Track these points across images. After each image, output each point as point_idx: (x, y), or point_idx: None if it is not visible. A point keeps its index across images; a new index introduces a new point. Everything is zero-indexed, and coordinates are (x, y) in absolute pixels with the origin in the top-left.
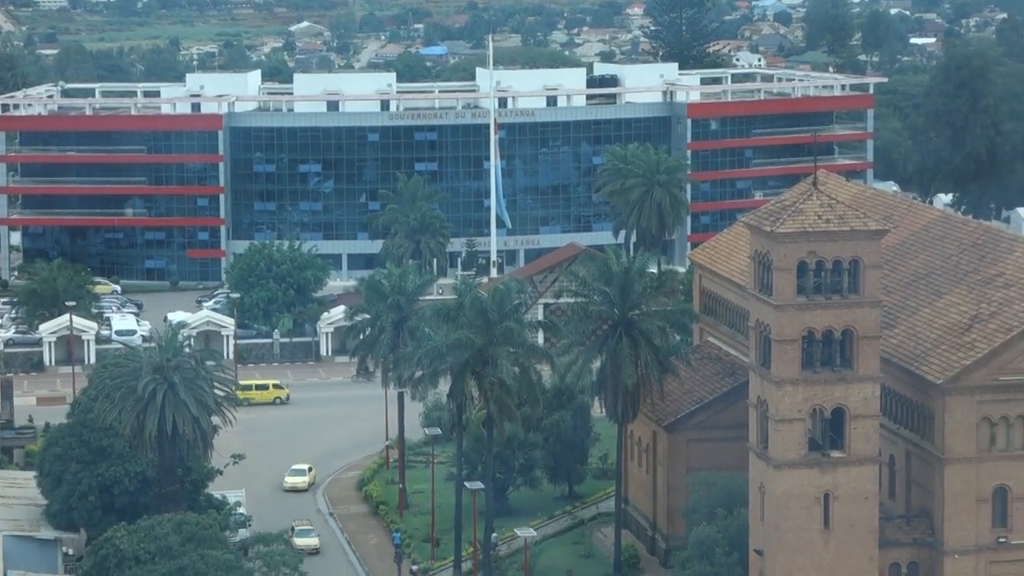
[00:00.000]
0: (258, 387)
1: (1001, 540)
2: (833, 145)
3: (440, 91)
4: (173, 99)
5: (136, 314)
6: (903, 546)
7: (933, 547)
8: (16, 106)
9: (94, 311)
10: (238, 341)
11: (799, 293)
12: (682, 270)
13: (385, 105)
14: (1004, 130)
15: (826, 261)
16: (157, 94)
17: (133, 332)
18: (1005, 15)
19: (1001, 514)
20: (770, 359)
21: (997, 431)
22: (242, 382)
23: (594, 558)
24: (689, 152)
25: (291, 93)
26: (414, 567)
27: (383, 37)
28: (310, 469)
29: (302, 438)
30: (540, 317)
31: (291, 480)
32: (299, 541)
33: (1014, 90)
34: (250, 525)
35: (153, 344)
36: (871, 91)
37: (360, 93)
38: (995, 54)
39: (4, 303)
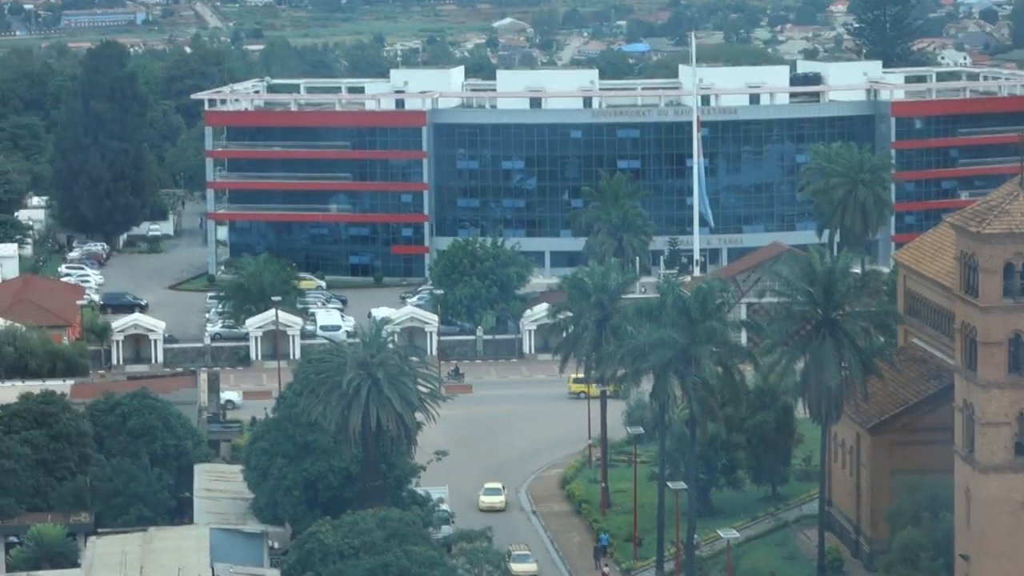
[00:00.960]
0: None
1: None
2: None
3: (643, 88)
4: (377, 95)
5: (341, 310)
6: None
7: None
8: (223, 102)
9: (299, 306)
10: (441, 337)
11: (1006, 295)
12: (886, 270)
13: (588, 102)
14: None
15: None
16: (361, 90)
17: (338, 327)
18: None
19: None
20: (976, 362)
21: None
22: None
23: (797, 560)
24: (893, 151)
25: (494, 90)
26: (605, 569)
27: (585, 34)
28: (503, 488)
29: (505, 435)
30: (743, 317)
31: (488, 500)
32: (517, 567)
33: None
34: (453, 522)
35: (357, 340)
36: None
37: (563, 90)
38: None
39: (211, 298)
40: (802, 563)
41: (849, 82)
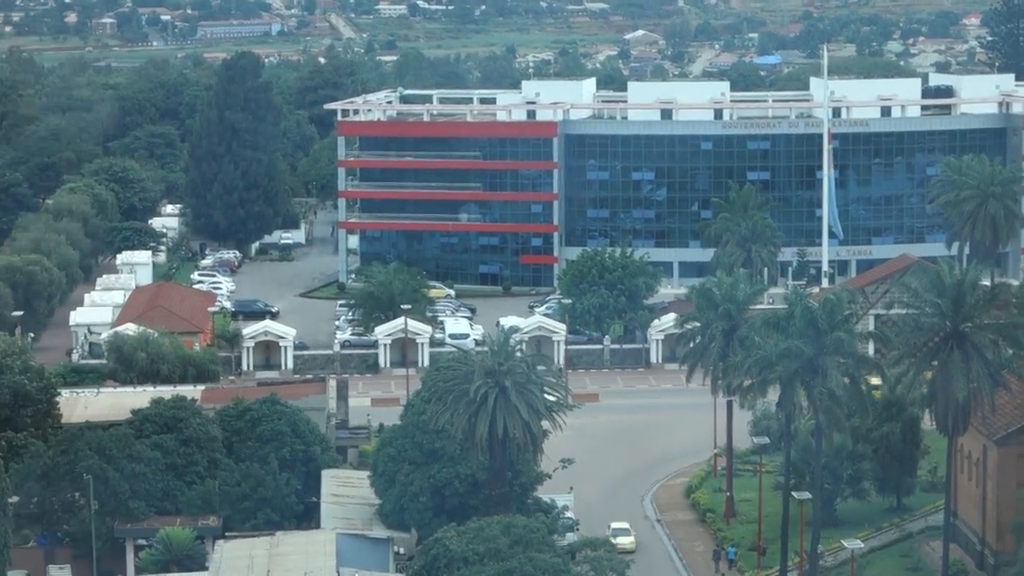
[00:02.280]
0: None
1: None
2: None
3: (773, 100)
4: (508, 106)
5: (469, 318)
6: None
7: None
8: (356, 112)
9: (428, 315)
10: (569, 347)
11: None
12: (1016, 283)
13: (718, 114)
14: None
15: None
16: (493, 101)
17: (466, 336)
18: None
19: None
20: None
21: None
22: None
23: (922, 571)
24: None
25: (625, 101)
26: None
27: (717, 46)
28: (631, 530)
29: (631, 444)
30: (871, 328)
31: (618, 541)
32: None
33: None
34: (578, 529)
35: (486, 348)
36: None
37: (693, 102)
38: None
39: (342, 305)
40: (927, 574)
41: (981, 95)
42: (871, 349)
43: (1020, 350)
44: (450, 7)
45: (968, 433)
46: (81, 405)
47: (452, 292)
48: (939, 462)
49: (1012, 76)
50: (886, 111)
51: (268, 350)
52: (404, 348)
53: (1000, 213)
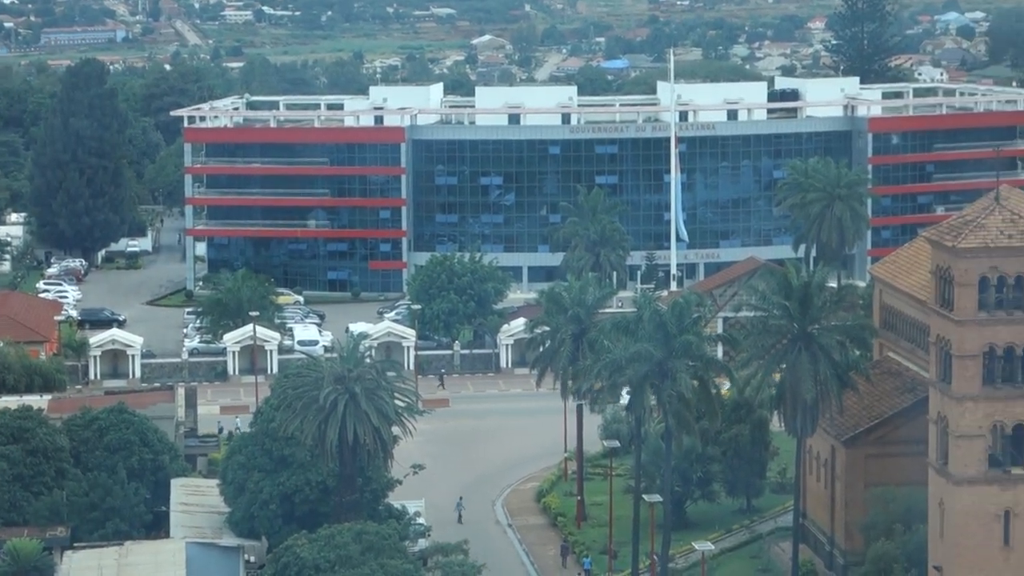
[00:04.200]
0: None
1: None
2: (1016, 160)
3: (621, 104)
4: (356, 112)
5: (318, 325)
6: None
7: None
8: (202, 118)
9: (277, 321)
10: (418, 352)
11: (981, 308)
12: (862, 284)
13: (566, 118)
14: None
15: (1008, 276)
16: (340, 107)
17: (315, 342)
18: None
19: None
20: (951, 375)
21: None
22: None
23: (771, 572)
24: (870, 166)
25: (473, 106)
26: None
27: (564, 50)
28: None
29: (482, 449)
30: (719, 331)
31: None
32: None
33: None
34: (429, 535)
35: (335, 354)
36: None
37: (541, 106)
38: None
39: (189, 313)
40: (776, 575)
41: (827, 98)
42: (720, 352)
43: (867, 351)
44: (296, 13)
45: (816, 434)
46: None
47: (301, 299)
48: (788, 463)
49: (857, 79)
50: (732, 114)
51: (115, 359)
52: (253, 355)
53: (846, 215)
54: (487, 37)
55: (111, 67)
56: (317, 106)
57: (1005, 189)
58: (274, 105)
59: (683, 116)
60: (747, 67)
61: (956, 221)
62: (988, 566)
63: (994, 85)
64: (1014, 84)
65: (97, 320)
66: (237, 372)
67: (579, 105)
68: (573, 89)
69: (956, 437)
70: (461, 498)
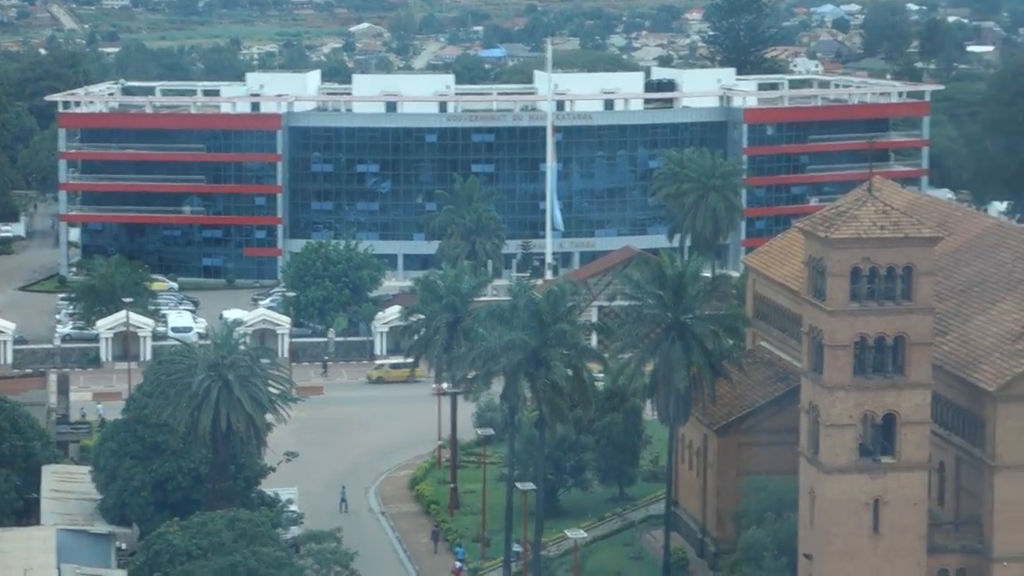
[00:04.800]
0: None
1: None
2: (889, 152)
3: (498, 93)
4: (233, 98)
5: (192, 311)
6: (952, 552)
7: (982, 554)
8: (77, 103)
9: (151, 308)
10: (293, 340)
11: (852, 299)
12: (736, 274)
13: (443, 107)
14: None
15: (880, 267)
16: (217, 93)
17: (189, 329)
18: None
19: None
20: (822, 364)
21: None
22: (378, 361)
23: (643, 560)
24: (745, 157)
25: (350, 94)
26: (459, 564)
27: (442, 39)
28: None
29: (355, 436)
30: (594, 319)
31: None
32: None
33: None
34: (302, 523)
35: (209, 341)
36: (927, 98)
37: (418, 94)
38: None
39: (62, 299)
40: (648, 563)
41: (703, 89)
42: (594, 340)
43: (740, 341)
44: None
45: (689, 423)
46: None
47: (175, 285)
48: (661, 452)
49: (733, 70)
50: (609, 104)
51: None
52: (126, 342)
53: (721, 205)
54: (365, 25)
55: None
56: (193, 92)
57: (878, 181)
58: (150, 91)
59: (560, 105)
60: (624, 57)
61: (829, 212)
62: (857, 554)
63: (868, 77)
64: (888, 77)
65: None
66: (110, 358)
67: (456, 94)
68: (450, 78)
69: (827, 426)
70: (344, 487)
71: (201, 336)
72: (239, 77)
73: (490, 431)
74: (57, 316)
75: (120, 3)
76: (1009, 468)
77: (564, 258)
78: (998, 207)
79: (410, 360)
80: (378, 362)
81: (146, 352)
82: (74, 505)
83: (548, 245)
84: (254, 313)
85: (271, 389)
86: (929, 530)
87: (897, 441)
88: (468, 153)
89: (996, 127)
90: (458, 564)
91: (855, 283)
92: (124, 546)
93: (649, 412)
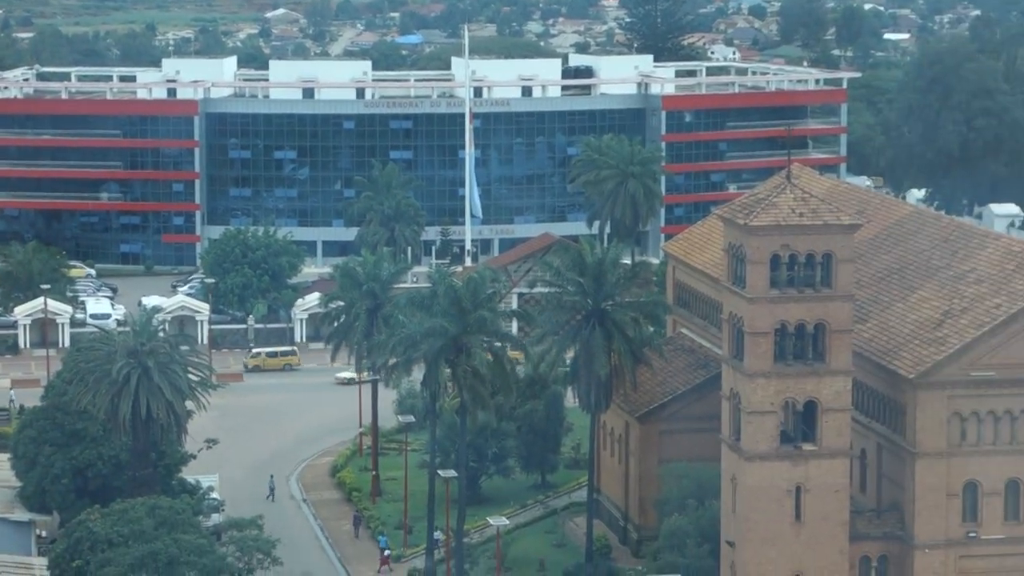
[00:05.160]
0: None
1: (971, 534)
2: (807, 139)
3: (415, 80)
4: (149, 84)
5: (111, 298)
6: (873, 539)
7: (903, 541)
8: None
9: (69, 294)
10: (212, 326)
11: (772, 286)
12: (656, 261)
13: (360, 93)
14: (976, 126)
15: (799, 254)
16: (133, 79)
17: (108, 316)
18: (978, 11)
19: (971, 508)
20: (743, 352)
21: (968, 426)
22: (255, 349)
23: (566, 547)
24: (663, 144)
25: (267, 80)
26: (386, 552)
27: (359, 25)
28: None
29: (276, 423)
30: (514, 306)
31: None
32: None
33: (986, 86)
34: (223, 510)
35: (128, 328)
36: (845, 86)
37: (335, 80)
38: (968, 50)
39: None
40: (571, 550)
41: (620, 76)
42: (514, 327)
43: (661, 328)
44: None
45: (611, 410)
46: None
47: (93, 272)
48: (582, 439)
49: (651, 57)
50: (527, 91)
51: None
52: (44, 328)
53: (640, 192)
54: (281, 10)
55: None
56: (109, 78)
57: (796, 168)
58: (65, 76)
59: (477, 92)
60: (541, 44)
61: (748, 199)
62: (779, 541)
63: (785, 65)
64: (805, 64)
65: None
66: (28, 345)
67: (373, 80)
68: (367, 64)
69: (748, 413)
70: (272, 476)
71: (120, 323)
72: (155, 63)
73: (411, 418)
74: None
75: None
76: (929, 455)
77: (484, 245)
78: (916, 194)
79: (288, 348)
80: (255, 350)
81: (64, 339)
82: None
83: (467, 232)
84: (173, 300)
85: (191, 376)
86: (851, 517)
87: (818, 428)
88: (386, 139)
89: (913, 114)
90: (386, 552)
91: (775, 270)
92: (44, 534)
93: (570, 399)
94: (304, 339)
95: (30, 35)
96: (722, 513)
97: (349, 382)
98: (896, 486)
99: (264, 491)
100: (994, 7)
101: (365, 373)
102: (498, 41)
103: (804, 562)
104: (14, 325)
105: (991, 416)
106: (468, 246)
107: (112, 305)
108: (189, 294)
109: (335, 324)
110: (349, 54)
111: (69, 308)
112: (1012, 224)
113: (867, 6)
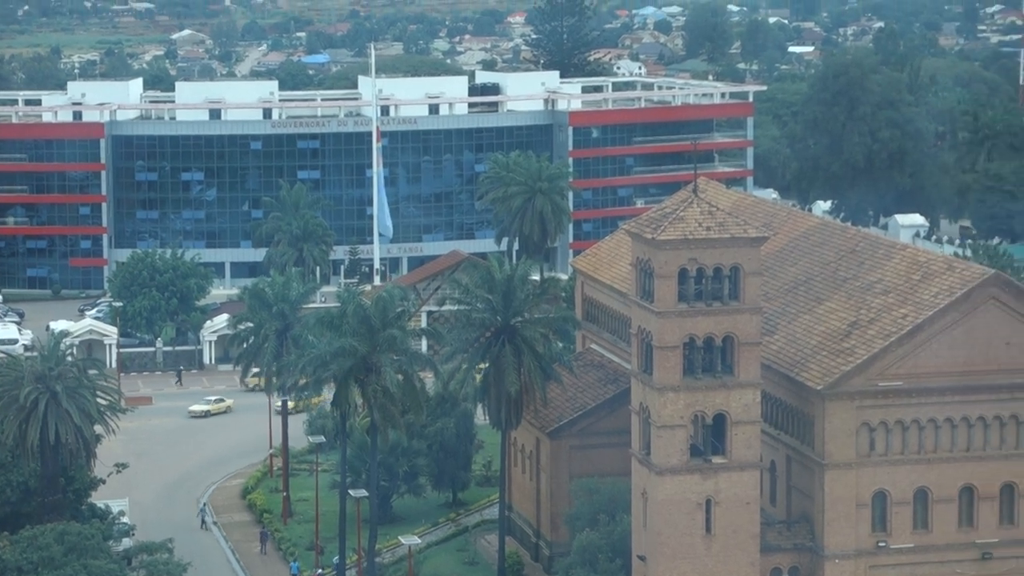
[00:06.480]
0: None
1: (881, 544)
2: (713, 153)
3: (322, 99)
4: (54, 107)
5: (18, 323)
6: (784, 551)
7: (814, 552)
8: None
9: None
10: (121, 350)
11: (680, 300)
12: (564, 277)
13: (267, 113)
14: (881, 137)
15: (707, 268)
16: (38, 102)
17: (15, 341)
18: (882, 24)
19: (880, 518)
20: (652, 366)
21: (876, 436)
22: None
23: (478, 565)
24: (571, 160)
25: (173, 101)
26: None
27: (265, 45)
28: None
29: (186, 446)
30: (423, 325)
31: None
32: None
33: (890, 98)
34: (133, 534)
35: (35, 353)
36: (750, 99)
37: (242, 101)
38: (872, 63)
39: None
40: (483, 568)
41: (527, 92)
42: (424, 346)
43: (570, 343)
44: None
45: (521, 427)
46: None
47: (0, 297)
48: (493, 456)
49: (557, 73)
50: (434, 109)
51: None
52: None
53: (548, 208)
54: (187, 32)
55: None
56: (14, 102)
57: (703, 182)
58: None
59: (384, 111)
60: (448, 61)
61: (655, 213)
62: (691, 554)
63: (691, 79)
64: (710, 78)
65: None
66: None
67: (280, 100)
68: (274, 84)
69: (658, 427)
70: (204, 504)
71: (27, 348)
72: (61, 86)
73: (321, 438)
74: None
75: None
76: (838, 466)
77: (392, 263)
78: (822, 206)
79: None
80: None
81: None
82: None
83: (376, 251)
84: (81, 324)
85: (100, 400)
86: (762, 529)
87: (728, 441)
88: (294, 159)
89: (818, 127)
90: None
91: (682, 284)
92: None
93: (481, 416)
94: (213, 361)
95: None
96: (633, 528)
97: (204, 415)
98: (806, 497)
99: (188, 518)
100: (897, 19)
101: (275, 394)
102: (405, 59)
103: (716, 575)
104: None
105: (899, 426)
106: (377, 265)
107: (19, 330)
108: (97, 318)
109: (244, 345)
110: (256, 74)
111: None
112: (917, 234)
113: (772, 19)
